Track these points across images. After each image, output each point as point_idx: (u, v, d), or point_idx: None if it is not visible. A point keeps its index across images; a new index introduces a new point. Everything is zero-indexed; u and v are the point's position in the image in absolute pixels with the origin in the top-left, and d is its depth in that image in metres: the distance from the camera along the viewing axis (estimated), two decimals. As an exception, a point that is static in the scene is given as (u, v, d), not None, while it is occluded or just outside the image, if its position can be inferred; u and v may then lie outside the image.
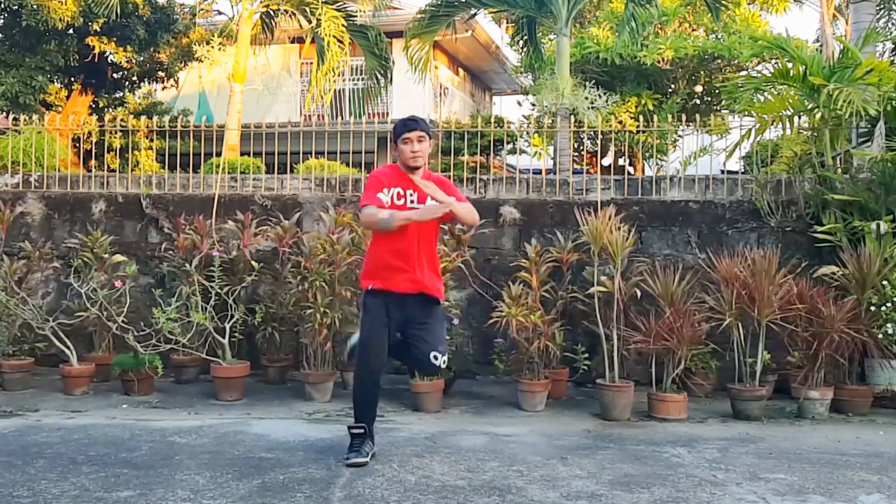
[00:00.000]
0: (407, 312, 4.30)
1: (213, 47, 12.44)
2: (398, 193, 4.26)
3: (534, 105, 12.96)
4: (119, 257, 7.07)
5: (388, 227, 4.07)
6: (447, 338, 4.41)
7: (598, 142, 9.29)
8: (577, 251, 6.63)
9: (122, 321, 6.56)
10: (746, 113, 7.65)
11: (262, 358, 7.04)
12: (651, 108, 12.48)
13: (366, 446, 4.37)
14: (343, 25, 10.94)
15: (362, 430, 4.38)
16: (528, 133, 10.70)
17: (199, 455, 4.51)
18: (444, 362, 4.34)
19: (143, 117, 9.31)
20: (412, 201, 4.25)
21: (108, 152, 10.17)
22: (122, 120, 8.58)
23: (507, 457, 4.59)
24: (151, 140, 10.63)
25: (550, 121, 9.09)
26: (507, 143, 11.92)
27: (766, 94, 7.47)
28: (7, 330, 6.72)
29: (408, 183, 4.29)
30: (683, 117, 8.25)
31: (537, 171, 8.45)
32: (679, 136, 10.09)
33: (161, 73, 12.80)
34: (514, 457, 4.59)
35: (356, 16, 11.65)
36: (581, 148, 13.53)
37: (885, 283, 6.09)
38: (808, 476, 4.28)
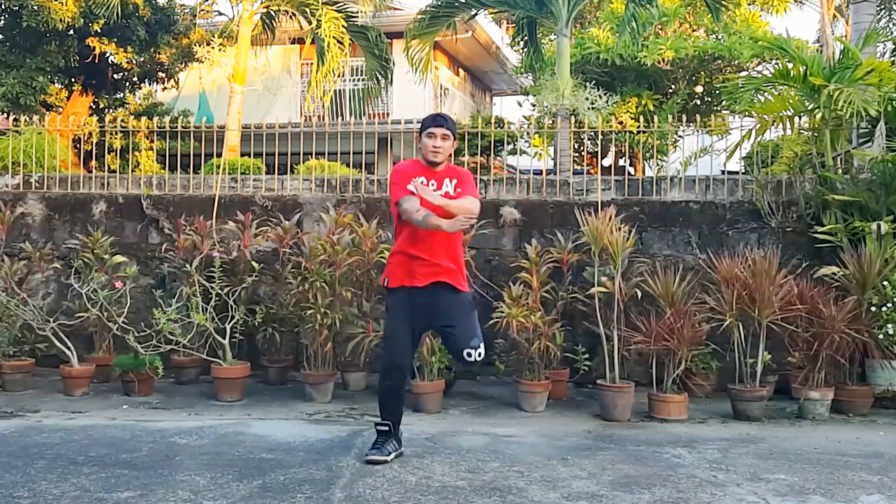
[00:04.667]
0: (429, 307, 4.28)
1: (213, 48, 12.46)
2: (422, 182, 4.28)
3: (534, 106, 12.93)
4: (119, 258, 7.07)
5: (420, 226, 4.18)
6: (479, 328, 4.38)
7: (599, 142, 9.27)
8: (578, 252, 6.62)
9: (123, 322, 6.56)
10: (747, 113, 7.66)
11: (262, 358, 7.05)
12: (651, 108, 12.46)
13: (389, 445, 4.39)
14: (343, 26, 10.93)
15: (387, 428, 4.39)
16: (528, 134, 10.69)
17: (200, 456, 4.51)
18: (479, 355, 4.26)
19: (143, 118, 9.30)
20: (435, 189, 4.27)
21: (109, 153, 10.16)
22: (122, 121, 8.58)
23: (508, 457, 4.59)
24: (152, 141, 10.62)
25: (550, 121, 9.09)
26: (508, 143, 11.91)
27: (766, 94, 7.46)
28: (7, 331, 6.72)
29: (430, 175, 4.33)
30: (684, 118, 8.26)
31: (538, 172, 8.44)
32: (679, 136, 10.08)
33: (161, 74, 12.81)
34: (514, 457, 4.59)
35: (356, 16, 11.64)
36: (581, 148, 13.50)
37: (885, 283, 6.09)
38: (809, 476, 4.28)
